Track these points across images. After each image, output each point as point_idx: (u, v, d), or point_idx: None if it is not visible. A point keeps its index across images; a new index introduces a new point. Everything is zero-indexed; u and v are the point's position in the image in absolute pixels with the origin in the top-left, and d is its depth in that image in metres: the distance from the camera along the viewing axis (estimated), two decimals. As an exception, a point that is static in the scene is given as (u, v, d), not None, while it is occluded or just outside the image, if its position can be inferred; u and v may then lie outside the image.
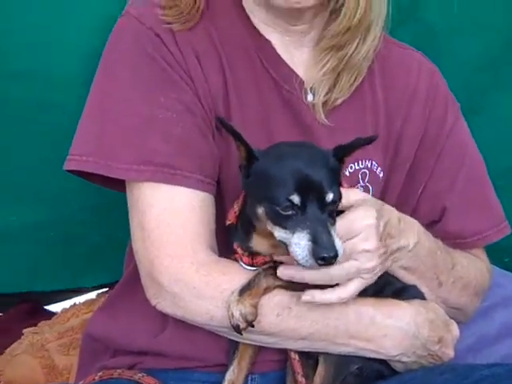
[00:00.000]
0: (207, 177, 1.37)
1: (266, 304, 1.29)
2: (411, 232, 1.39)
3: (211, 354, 1.42)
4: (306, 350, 1.35)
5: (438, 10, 1.84)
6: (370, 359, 1.37)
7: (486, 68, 1.91)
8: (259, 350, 1.39)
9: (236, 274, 1.31)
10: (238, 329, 1.26)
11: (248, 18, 1.48)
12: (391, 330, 1.33)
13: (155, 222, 1.33)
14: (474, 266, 1.55)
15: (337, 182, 1.25)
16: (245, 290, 1.27)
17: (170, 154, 1.35)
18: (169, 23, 1.39)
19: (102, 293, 2.35)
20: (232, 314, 1.25)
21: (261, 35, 1.48)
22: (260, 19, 1.48)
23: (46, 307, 2.48)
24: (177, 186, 1.34)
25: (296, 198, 1.19)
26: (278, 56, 1.49)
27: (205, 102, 1.39)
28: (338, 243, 1.17)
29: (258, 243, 1.31)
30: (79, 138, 1.41)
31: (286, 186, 1.20)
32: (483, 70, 1.92)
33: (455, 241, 1.54)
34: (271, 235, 1.24)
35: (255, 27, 1.48)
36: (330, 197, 1.20)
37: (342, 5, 1.43)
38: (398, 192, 1.54)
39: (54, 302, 2.49)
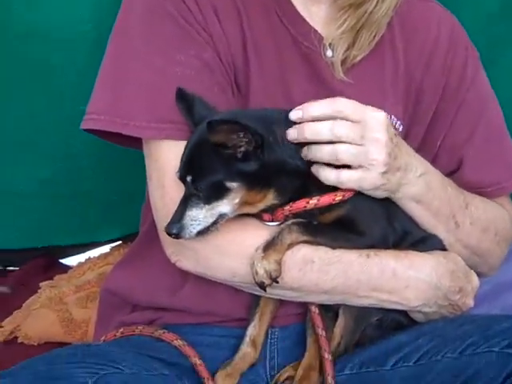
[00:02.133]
0: None
1: (290, 259, 1.29)
2: (419, 161, 1.38)
3: (231, 309, 1.43)
4: (329, 303, 1.36)
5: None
6: (389, 310, 1.38)
7: (505, 18, 1.87)
8: (280, 304, 1.40)
9: (258, 230, 1.31)
10: (262, 285, 1.26)
11: None
12: (413, 281, 1.34)
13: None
14: (492, 210, 1.53)
15: (209, 167, 1.26)
16: (269, 246, 1.27)
17: None
18: None
19: (116, 246, 2.36)
20: (256, 271, 1.26)
21: None
22: None
23: (61, 261, 2.49)
24: None
25: (177, 175, 1.29)
26: (297, 12, 1.47)
27: (224, 58, 1.38)
28: (187, 223, 1.25)
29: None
30: (96, 96, 1.39)
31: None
32: (502, 20, 1.88)
33: (475, 190, 1.53)
34: None
35: None
36: (189, 179, 1.26)
37: None
38: (418, 143, 1.52)
39: (68, 256, 2.50)
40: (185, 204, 1.26)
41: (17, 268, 2.43)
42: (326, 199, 1.29)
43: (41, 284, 2.24)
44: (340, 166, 1.28)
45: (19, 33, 1.76)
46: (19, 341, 2.03)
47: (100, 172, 2.06)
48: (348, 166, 1.28)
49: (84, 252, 2.46)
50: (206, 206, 1.25)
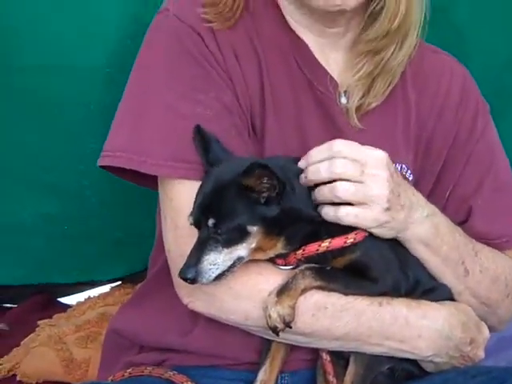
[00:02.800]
0: None
1: (303, 304, 1.29)
2: (424, 202, 1.40)
3: (241, 353, 1.42)
4: (340, 349, 1.36)
5: (467, 11, 1.84)
6: (400, 359, 1.38)
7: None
8: (291, 349, 1.40)
9: (272, 274, 1.31)
10: (275, 330, 1.26)
11: (284, 18, 1.48)
12: (425, 331, 1.34)
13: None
14: (502, 261, 1.53)
15: (231, 209, 1.26)
16: (283, 291, 1.27)
17: None
18: (209, 22, 1.39)
19: (116, 286, 2.35)
20: (270, 315, 1.26)
21: (296, 36, 1.48)
22: (296, 20, 1.48)
23: (59, 299, 2.48)
24: None
25: (190, 219, 1.27)
26: (313, 57, 1.49)
27: (242, 101, 1.40)
28: (205, 267, 1.24)
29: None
30: (113, 133, 1.41)
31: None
32: (509, 71, 1.91)
33: (484, 241, 1.54)
34: None
35: (291, 28, 1.48)
36: (211, 222, 1.25)
37: (381, 9, 1.44)
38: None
39: (67, 295, 2.48)
40: (201, 247, 1.25)
41: (14, 305, 2.41)
42: (338, 242, 1.30)
43: (39, 322, 2.22)
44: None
45: (31, 67, 1.78)
46: (18, 379, 2.02)
47: (106, 211, 2.06)
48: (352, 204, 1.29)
49: (83, 291, 2.45)
50: (225, 250, 1.25)
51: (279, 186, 1.25)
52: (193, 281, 1.24)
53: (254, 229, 1.26)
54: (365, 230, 1.31)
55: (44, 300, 2.41)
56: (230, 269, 1.26)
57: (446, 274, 1.43)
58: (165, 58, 1.39)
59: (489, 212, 1.56)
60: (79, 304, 2.30)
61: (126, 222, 2.10)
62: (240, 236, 1.25)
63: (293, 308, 1.26)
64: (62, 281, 2.31)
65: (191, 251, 1.25)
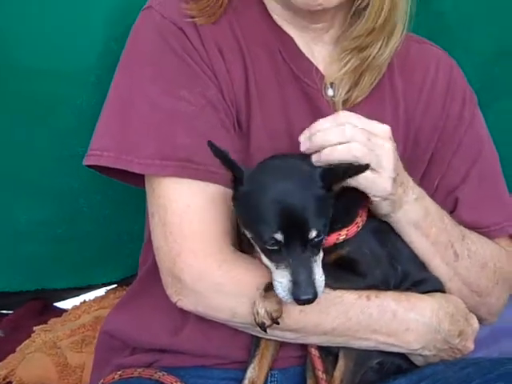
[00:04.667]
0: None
1: None
2: (414, 185, 1.39)
3: (231, 352, 1.42)
4: (328, 344, 1.35)
5: (453, 2, 1.84)
6: (389, 353, 1.37)
7: (500, 59, 1.91)
8: (280, 346, 1.39)
9: (260, 270, 1.30)
10: (262, 326, 1.26)
11: (268, 14, 1.48)
12: (413, 324, 1.33)
13: (178, 217, 1.33)
14: (489, 246, 1.52)
15: (323, 214, 1.22)
16: (270, 286, 1.26)
17: (192, 148, 1.34)
18: (192, 17, 1.39)
19: (112, 289, 2.35)
20: (257, 311, 1.25)
21: (281, 30, 1.48)
22: (280, 16, 1.48)
23: (55, 304, 2.47)
24: (199, 181, 1.34)
25: (279, 236, 1.19)
26: (299, 50, 1.49)
27: (227, 96, 1.39)
28: (318, 281, 1.19)
29: (246, 248, 1.33)
30: (100, 132, 1.40)
31: (270, 222, 1.19)
32: (498, 61, 1.91)
33: (473, 230, 1.52)
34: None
35: (275, 23, 1.48)
36: (313, 234, 1.19)
37: (367, 6, 1.43)
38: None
39: (63, 300, 2.48)
40: (305, 261, 1.19)
41: (10, 311, 2.41)
42: (331, 239, 1.29)
43: (35, 328, 2.22)
44: None
45: (21, 69, 1.77)
46: (13, 385, 2.01)
47: (98, 214, 2.05)
48: None
49: (79, 295, 2.44)
50: (319, 256, 1.22)
51: None
52: (313, 299, 1.18)
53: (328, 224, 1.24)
54: (356, 225, 1.31)
55: (40, 306, 2.41)
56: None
57: (435, 258, 1.42)
58: (148, 56, 1.39)
59: (476, 201, 1.55)
60: (74, 308, 2.29)
61: (119, 224, 2.10)
62: (325, 235, 1.23)
63: (280, 304, 1.25)
64: (58, 286, 2.30)
65: (298, 270, 1.18)
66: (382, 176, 1.29)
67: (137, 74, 1.39)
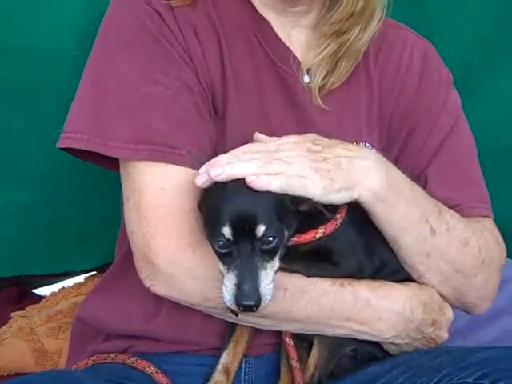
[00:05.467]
0: (204, 156, 1.35)
1: None
2: (370, 153, 1.33)
3: (205, 338, 1.41)
4: (302, 332, 1.35)
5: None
6: (363, 341, 1.37)
7: (480, 48, 1.91)
8: (255, 333, 1.39)
9: None
10: (233, 311, 1.24)
11: None
12: (385, 313, 1.33)
13: (152, 201, 1.31)
14: (470, 223, 1.45)
15: (280, 216, 1.16)
16: None
17: (167, 132, 1.32)
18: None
19: (91, 276, 2.33)
20: None
21: (259, 14, 1.47)
22: None
23: (34, 291, 2.45)
24: (174, 165, 1.32)
25: (227, 231, 1.14)
26: (276, 35, 1.48)
27: (203, 79, 1.38)
28: (265, 289, 1.13)
29: None
30: (74, 115, 1.39)
31: (219, 218, 1.14)
32: (478, 50, 1.91)
33: None
34: None
35: (253, 6, 1.47)
36: (260, 230, 1.13)
37: None
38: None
39: (42, 286, 2.46)
40: (252, 266, 1.13)
41: (-12, 298, 2.39)
42: (307, 237, 1.26)
43: (12, 314, 2.20)
44: None
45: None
46: (-11, 372, 1.99)
47: (78, 198, 2.03)
48: None
49: (58, 282, 2.43)
50: (271, 262, 1.15)
51: None
52: (256, 307, 1.13)
53: (287, 232, 1.18)
54: (335, 223, 1.27)
55: (18, 292, 2.39)
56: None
57: (410, 235, 1.33)
58: (124, 37, 1.37)
59: (447, 180, 1.51)
60: (53, 295, 2.28)
61: (99, 210, 2.07)
62: (280, 243, 1.16)
63: None
64: (37, 272, 2.27)
65: (243, 274, 1.12)
66: (310, 179, 1.21)
67: (112, 55, 1.37)
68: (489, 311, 1.80)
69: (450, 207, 1.43)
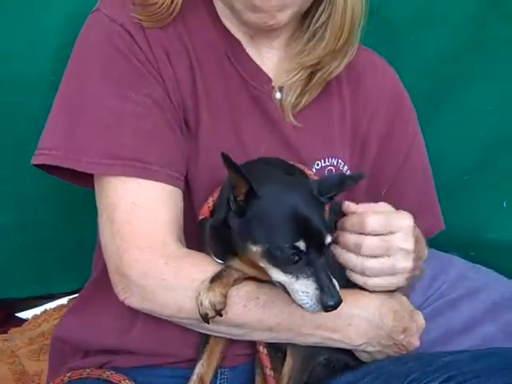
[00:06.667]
0: (176, 171, 1.38)
1: (235, 294, 1.30)
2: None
3: (180, 350, 1.42)
4: (274, 341, 1.36)
5: (399, 6, 1.87)
6: (337, 350, 1.39)
7: (447, 63, 1.93)
8: (229, 344, 1.41)
9: (206, 266, 1.32)
10: (206, 317, 1.27)
11: (218, 18, 1.50)
12: (356, 320, 1.35)
13: (125, 215, 1.34)
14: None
15: (328, 220, 1.27)
16: (216, 278, 1.28)
17: (139, 148, 1.36)
18: (140, 20, 1.41)
19: (73, 298, 2.34)
20: (201, 302, 1.26)
21: (230, 34, 1.50)
22: (228, 19, 1.50)
23: (17, 314, 2.45)
24: (146, 180, 1.35)
25: (302, 245, 1.20)
26: (246, 54, 1.51)
27: (174, 97, 1.41)
28: (336, 285, 1.22)
29: (240, 266, 1.30)
30: (48, 132, 1.41)
31: (290, 232, 1.20)
32: (445, 65, 1.94)
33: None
34: (258, 266, 1.25)
35: (225, 27, 1.50)
36: (328, 240, 1.23)
37: (325, 25, 1.47)
38: (364, 190, 1.56)
39: (25, 309, 2.46)
40: (326, 270, 1.21)
41: (-30, 322, 2.39)
42: None
43: (-6, 338, 2.20)
44: None
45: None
46: (-30, 395, 1.99)
47: (58, 220, 2.05)
48: None
49: (42, 305, 2.43)
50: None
51: None
52: (340, 304, 1.21)
53: None
54: None
55: (1, 315, 2.39)
56: None
57: None
58: (96, 57, 1.41)
59: (418, 213, 1.52)
60: (35, 317, 2.28)
61: (79, 232, 2.07)
62: None
63: (224, 296, 1.26)
64: (18, 295, 2.28)
65: (322, 278, 1.20)
66: (397, 278, 1.35)
67: (84, 74, 1.41)
68: (465, 320, 1.85)
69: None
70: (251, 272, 1.30)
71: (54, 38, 1.76)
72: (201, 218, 1.35)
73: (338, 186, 1.27)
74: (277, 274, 1.22)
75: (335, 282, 1.21)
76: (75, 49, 1.45)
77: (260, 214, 1.22)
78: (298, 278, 1.21)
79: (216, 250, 1.33)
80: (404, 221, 1.34)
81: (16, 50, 1.76)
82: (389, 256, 1.32)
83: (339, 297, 1.20)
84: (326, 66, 1.49)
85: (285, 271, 1.21)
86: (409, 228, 1.34)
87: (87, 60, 1.42)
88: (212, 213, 1.35)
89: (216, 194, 1.36)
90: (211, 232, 1.33)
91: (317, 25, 1.49)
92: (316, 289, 1.19)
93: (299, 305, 1.21)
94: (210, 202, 1.35)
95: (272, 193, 1.23)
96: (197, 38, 1.46)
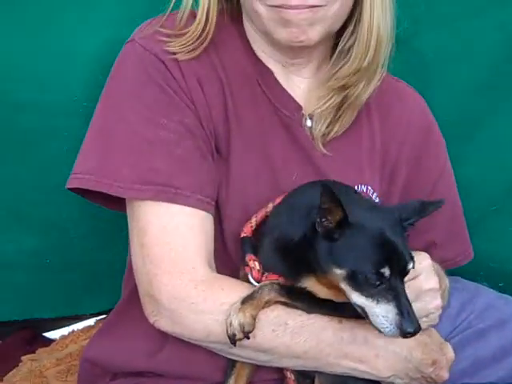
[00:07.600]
0: (207, 196, 1.40)
1: (264, 318, 1.31)
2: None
3: (208, 373, 1.43)
4: (301, 368, 1.36)
5: (430, 39, 1.88)
6: (365, 380, 1.38)
7: (477, 94, 1.94)
8: (256, 369, 1.41)
9: (235, 290, 1.33)
10: (233, 338, 1.27)
11: (251, 47, 1.53)
12: (383, 351, 1.35)
13: (155, 239, 1.36)
14: None
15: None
16: (247, 300, 1.29)
17: (170, 173, 1.38)
18: (173, 53, 1.44)
19: (101, 319, 2.36)
20: (231, 322, 1.27)
21: (262, 63, 1.53)
22: (261, 49, 1.53)
23: (44, 334, 2.48)
24: (177, 205, 1.37)
25: (387, 272, 1.23)
26: (278, 82, 1.53)
27: (206, 125, 1.43)
28: (415, 312, 1.24)
29: (313, 285, 1.32)
30: (82, 157, 1.45)
31: (378, 258, 1.24)
32: (475, 96, 1.95)
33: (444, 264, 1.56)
34: (336, 286, 1.27)
35: (257, 56, 1.53)
36: (410, 266, 1.26)
37: (350, 47, 1.49)
38: None
39: (52, 329, 2.48)
40: (406, 296, 1.24)
41: (-1, 341, 2.42)
42: None
43: (22, 357, 2.22)
44: None
45: (9, 102, 1.81)
46: (0, 415, 2.01)
47: (87, 243, 2.07)
48: None
49: (69, 325, 2.45)
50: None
51: None
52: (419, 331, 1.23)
53: None
54: None
55: (28, 335, 2.41)
56: None
57: None
58: (130, 85, 1.44)
59: (447, 242, 1.65)
60: (62, 338, 2.31)
61: (108, 254, 2.10)
62: None
63: (254, 318, 1.27)
64: (47, 315, 2.31)
65: (403, 304, 1.23)
66: (430, 318, 1.40)
67: (118, 101, 1.44)
68: (493, 350, 1.82)
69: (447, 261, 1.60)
70: (324, 292, 1.31)
71: (87, 65, 1.80)
72: (243, 235, 1.38)
73: (420, 212, 1.30)
74: (357, 297, 1.24)
75: (414, 309, 1.23)
76: (110, 77, 1.48)
77: (350, 241, 1.25)
78: (378, 301, 1.23)
79: (286, 268, 1.33)
80: (423, 261, 1.37)
81: (49, 76, 1.80)
82: (419, 300, 1.34)
83: (418, 324, 1.21)
84: (353, 88, 1.50)
85: (366, 295, 1.23)
86: (429, 267, 1.37)
87: (121, 88, 1.45)
88: (254, 232, 1.37)
89: (260, 214, 1.39)
90: (282, 250, 1.34)
91: (344, 46, 1.51)
92: (396, 314, 1.22)
93: (378, 328, 1.23)
94: (253, 221, 1.38)
95: (363, 221, 1.26)
96: (229, 66, 1.49)
